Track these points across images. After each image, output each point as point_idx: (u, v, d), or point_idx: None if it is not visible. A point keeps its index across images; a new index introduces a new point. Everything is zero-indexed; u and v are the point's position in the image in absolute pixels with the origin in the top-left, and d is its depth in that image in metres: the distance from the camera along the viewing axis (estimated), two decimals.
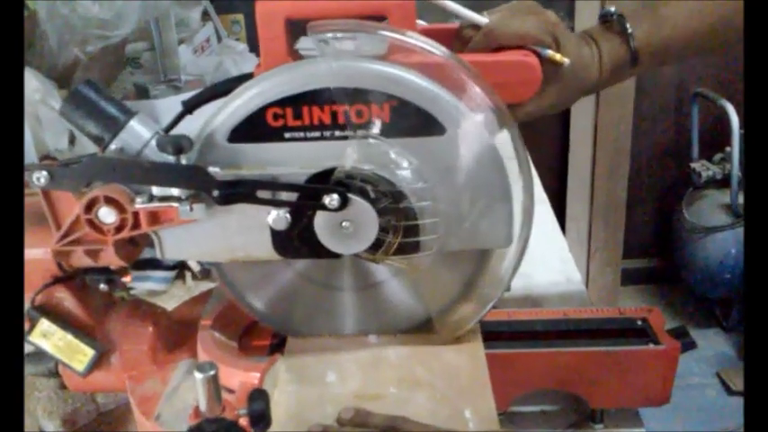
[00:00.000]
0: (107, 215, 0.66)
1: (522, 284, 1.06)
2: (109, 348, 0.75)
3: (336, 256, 0.66)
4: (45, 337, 0.72)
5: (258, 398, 0.54)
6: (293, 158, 0.64)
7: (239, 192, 0.64)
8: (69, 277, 0.72)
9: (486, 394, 0.65)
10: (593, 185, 2.38)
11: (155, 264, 1.10)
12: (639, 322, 0.81)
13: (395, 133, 0.63)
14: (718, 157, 2.39)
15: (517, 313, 0.83)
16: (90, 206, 0.66)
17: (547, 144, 2.37)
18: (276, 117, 0.63)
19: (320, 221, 0.65)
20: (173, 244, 0.68)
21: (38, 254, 0.70)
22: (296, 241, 0.66)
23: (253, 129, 0.63)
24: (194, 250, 0.70)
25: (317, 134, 0.63)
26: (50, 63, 1.33)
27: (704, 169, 2.37)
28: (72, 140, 1.23)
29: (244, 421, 0.55)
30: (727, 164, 2.28)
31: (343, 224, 0.64)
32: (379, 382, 0.68)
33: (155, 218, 0.67)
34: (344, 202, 0.63)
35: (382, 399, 0.66)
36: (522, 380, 0.77)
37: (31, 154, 1.16)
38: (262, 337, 0.79)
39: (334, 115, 0.62)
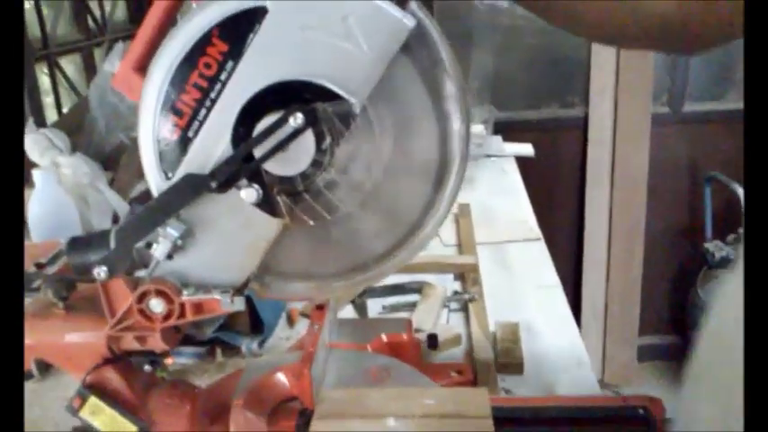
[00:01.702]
0: (156, 305, 0.74)
1: (534, 369, 1.12)
2: (150, 425, 0.82)
3: None
4: (93, 413, 0.79)
5: None
6: None
7: (234, 171, 0.68)
8: (118, 359, 0.80)
9: None
10: (609, 264, 2.43)
11: (188, 339, 1.18)
12: (641, 411, 0.87)
13: None
14: (731, 237, 2.45)
15: (527, 400, 0.89)
16: (142, 297, 0.74)
17: (562, 225, 2.45)
18: None
19: None
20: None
21: (91, 337, 0.78)
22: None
23: None
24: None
25: None
26: (98, 147, 1.45)
27: (718, 249, 2.42)
28: (116, 220, 1.33)
29: None
30: (741, 245, 2.33)
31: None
32: None
33: (199, 308, 0.75)
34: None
35: None
36: None
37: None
38: (288, 416, 0.86)
39: None
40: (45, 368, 1.14)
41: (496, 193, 1.87)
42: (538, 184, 2.01)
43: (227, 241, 0.74)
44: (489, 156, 2.05)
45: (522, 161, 2.09)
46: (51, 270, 0.84)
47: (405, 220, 0.75)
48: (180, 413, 0.83)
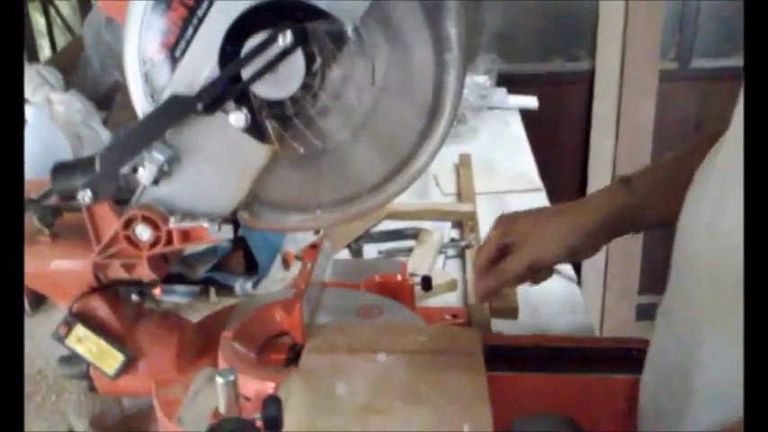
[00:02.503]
0: (143, 232, 0.73)
1: (529, 314, 1.11)
2: (137, 355, 0.81)
3: None
4: (80, 341, 0.78)
5: (272, 404, 0.60)
6: None
7: (221, 93, 0.66)
8: (105, 288, 0.79)
9: (484, 412, 0.70)
10: None
11: (181, 278, 1.17)
12: (635, 352, 0.85)
13: None
14: None
15: (519, 339, 0.88)
16: (128, 223, 0.72)
17: (565, 179, 2.43)
18: None
19: None
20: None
21: (78, 265, 0.77)
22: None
23: None
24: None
25: None
26: (93, 86, 1.42)
27: None
28: None
29: (258, 424, 0.61)
30: None
31: None
32: (385, 397, 0.73)
33: (186, 236, 0.74)
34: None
35: (388, 413, 0.71)
36: (520, 402, 0.82)
37: None
38: (279, 350, 0.85)
39: None
40: (36, 304, 1.14)
41: (498, 144, 1.85)
42: (541, 137, 1.98)
43: (214, 168, 0.72)
44: (492, 108, 2.02)
45: (525, 114, 2.06)
46: None
47: (398, 150, 0.73)
48: (168, 344, 0.82)
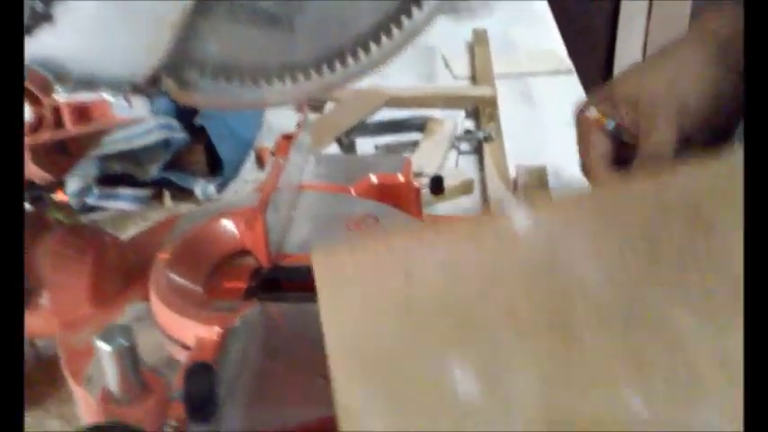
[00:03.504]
0: None
1: None
2: (36, 285, 0.58)
3: None
4: None
5: (197, 376, 0.37)
6: None
7: None
8: None
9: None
10: None
11: (127, 180, 0.93)
12: None
13: None
14: None
15: None
16: None
17: (591, 58, 2.16)
18: None
19: None
20: None
21: None
22: None
23: None
24: None
25: None
26: None
27: None
28: None
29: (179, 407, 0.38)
30: None
31: None
32: (588, 376, 0.28)
33: (83, 114, 0.50)
34: None
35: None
36: None
37: None
38: (236, 276, 0.62)
39: None
40: None
41: (519, 19, 1.56)
42: (566, 12, 1.69)
43: (116, 6, 0.46)
44: None
45: None
46: None
47: None
48: (78, 270, 0.59)
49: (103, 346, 0.35)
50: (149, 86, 0.49)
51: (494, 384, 0.26)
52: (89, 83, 0.49)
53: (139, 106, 0.48)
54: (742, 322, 0.28)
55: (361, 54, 0.50)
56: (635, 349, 0.27)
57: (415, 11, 0.48)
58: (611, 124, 0.59)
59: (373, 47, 0.49)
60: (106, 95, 0.48)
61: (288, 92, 0.52)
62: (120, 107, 0.48)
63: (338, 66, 0.50)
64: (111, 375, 0.36)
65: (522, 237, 0.29)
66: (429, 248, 0.30)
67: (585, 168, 0.61)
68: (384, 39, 0.49)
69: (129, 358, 0.36)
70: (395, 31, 0.49)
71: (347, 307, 0.30)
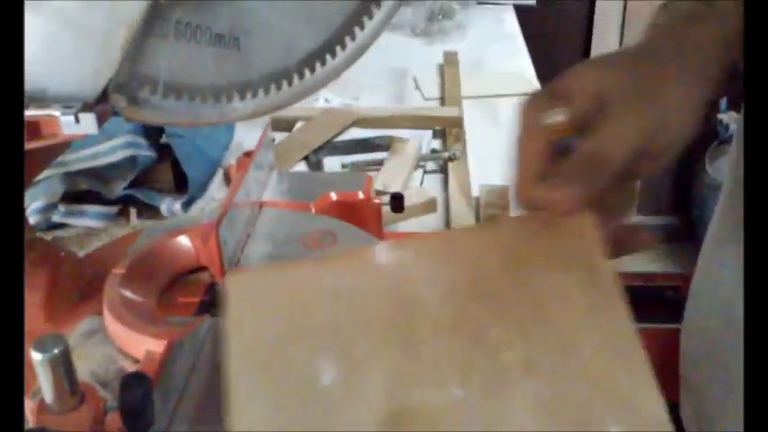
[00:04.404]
0: None
1: None
2: None
3: None
4: None
5: (132, 386, 0.38)
6: None
7: None
8: None
9: (645, 386, 0.35)
10: None
11: (93, 197, 0.94)
12: (671, 293, 0.64)
13: None
14: None
15: None
16: None
17: None
18: None
19: None
20: None
21: None
22: None
23: None
24: None
25: None
26: None
27: (732, 121, 2.17)
28: None
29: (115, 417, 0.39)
30: None
31: None
32: (423, 373, 0.35)
33: (33, 130, 0.50)
34: None
35: (439, 418, 0.34)
36: None
37: None
38: (191, 291, 0.63)
39: None
40: None
41: (490, 42, 1.59)
42: (538, 37, 1.72)
43: (65, 25, 0.48)
44: (483, 2, 1.75)
45: (521, 11, 1.79)
46: None
47: (329, 15, 0.50)
48: (33, 283, 0.59)
49: (36, 356, 0.36)
50: (100, 103, 0.51)
51: (350, 378, 0.34)
52: (40, 99, 0.50)
53: (87, 123, 0.49)
54: (544, 331, 0.36)
55: (307, 73, 0.51)
56: (459, 352, 0.35)
57: (357, 32, 0.50)
58: (572, 141, 0.43)
59: (318, 66, 0.51)
60: (55, 112, 0.49)
61: (238, 110, 0.54)
62: (67, 124, 0.49)
63: (285, 85, 0.51)
64: (45, 384, 0.37)
65: (380, 266, 0.39)
66: (315, 274, 0.39)
67: (518, 190, 0.43)
68: (329, 58, 0.51)
69: (63, 368, 0.37)
70: (339, 51, 0.50)
71: (248, 318, 0.37)
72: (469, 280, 0.38)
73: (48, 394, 0.37)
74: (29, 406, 0.51)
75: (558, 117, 0.43)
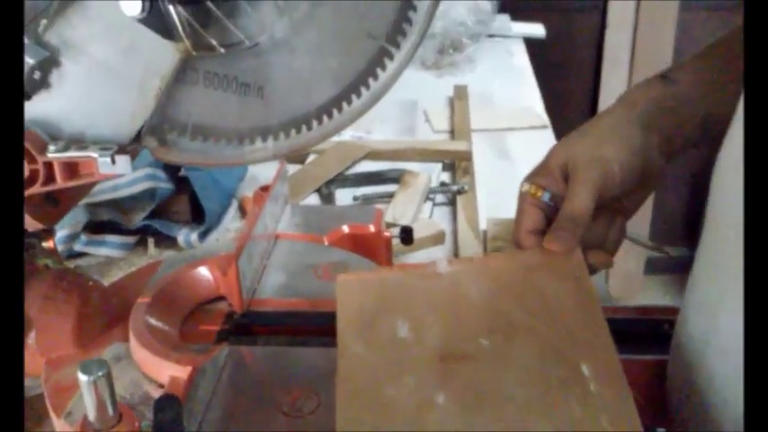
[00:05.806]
0: None
1: None
2: (25, 326, 0.62)
3: None
4: None
5: (165, 407, 0.42)
6: None
7: None
8: None
9: (604, 339, 0.51)
10: None
11: (113, 227, 0.98)
12: (666, 326, 0.67)
13: None
14: None
15: None
16: None
17: (573, 116, 2.22)
18: None
19: None
20: None
21: None
22: None
23: None
24: None
25: None
26: None
27: None
28: None
29: None
30: None
31: None
32: (464, 332, 0.52)
33: (72, 171, 0.54)
34: None
35: (473, 358, 0.50)
36: None
37: None
38: (211, 320, 0.67)
39: None
40: None
41: (500, 76, 1.64)
42: (548, 70, 1.77)
43: (105, 75, 0.52)
44: (493, 36, 1.80)
45: (531, 44, 1.84)
46: None
47: (352, 62, 0.54)
48: (64, 312, 0.63)
49: (83, 378, 0.39)
50: (132, 144, 0.55)
51: (418, 334, 0.53)
52: (79, 142, 0.54)
53: (122, 164, 0.53)
54: (544, 314, 0.52)
55: (326, 119, 0.55)
56: (486, 322, 0.53)
57: (371, 82, 0.54)
58: (546, 196, 0.60)
59: (335, 113, 0.55)
60: (93, 153, 0.53)
61: (260, 151, 0.57)
62: (104, 165, 0.53)
63: (305, 129, 0.55)
64: (89, 404, 0.40)
65: (440, 272, 0.57)
66: (398, 275, 0.59)
67: (515, 239, 0.60)
68: (345, 106, 0.55)
69: (106, 389, 0.40)
70: (354, 99, 0.54)
71: (354, 300, 0.56)
72: (497, 284, 0.56)
73: (91, 413, 0.41)
74: (62, 426, 0.55)
75: (524, 187, 0.61)
